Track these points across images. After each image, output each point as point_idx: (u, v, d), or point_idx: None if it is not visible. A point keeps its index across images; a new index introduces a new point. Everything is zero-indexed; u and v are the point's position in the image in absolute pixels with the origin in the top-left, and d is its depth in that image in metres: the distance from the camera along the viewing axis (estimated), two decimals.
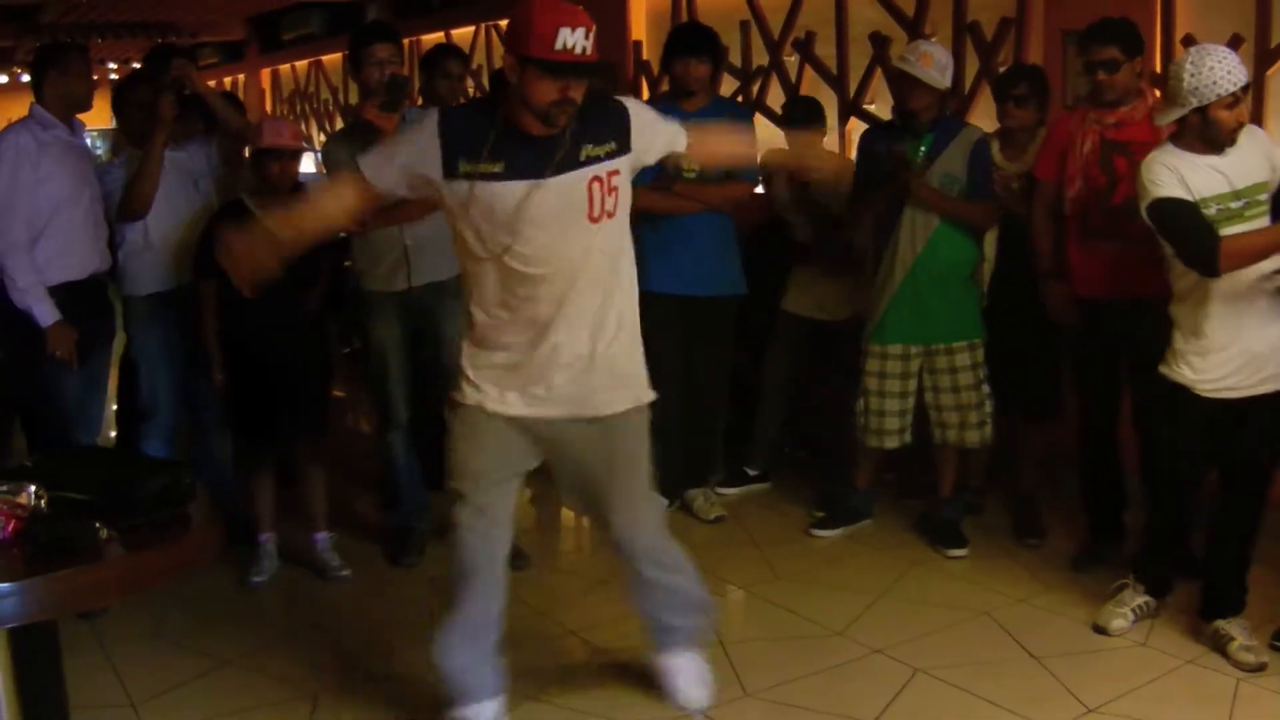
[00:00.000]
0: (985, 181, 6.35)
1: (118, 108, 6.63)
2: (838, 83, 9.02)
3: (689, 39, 6.92)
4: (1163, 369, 5.26)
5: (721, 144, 5.17)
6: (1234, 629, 5.27)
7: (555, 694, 5.10)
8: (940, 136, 6.31)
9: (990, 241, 6.58)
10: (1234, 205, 5.01)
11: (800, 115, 7.60)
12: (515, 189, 4.16)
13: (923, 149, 6.31)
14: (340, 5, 14.74)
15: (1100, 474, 6.18)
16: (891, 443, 6.59)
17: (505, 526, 4.72)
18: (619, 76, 10.13)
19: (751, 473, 7.50)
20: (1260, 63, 6.58)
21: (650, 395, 4.55)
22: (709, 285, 6.75)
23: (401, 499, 6.64)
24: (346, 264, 6.69)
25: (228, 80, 20.21)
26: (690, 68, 6.67)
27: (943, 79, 6.25)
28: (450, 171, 4.20)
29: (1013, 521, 6.77)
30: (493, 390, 4.42)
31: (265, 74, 19.07)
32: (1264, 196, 5.09)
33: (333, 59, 16.36)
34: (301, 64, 17.52)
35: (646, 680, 4.99)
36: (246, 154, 6.71)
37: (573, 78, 4.06)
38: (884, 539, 6.71)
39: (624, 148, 4.30)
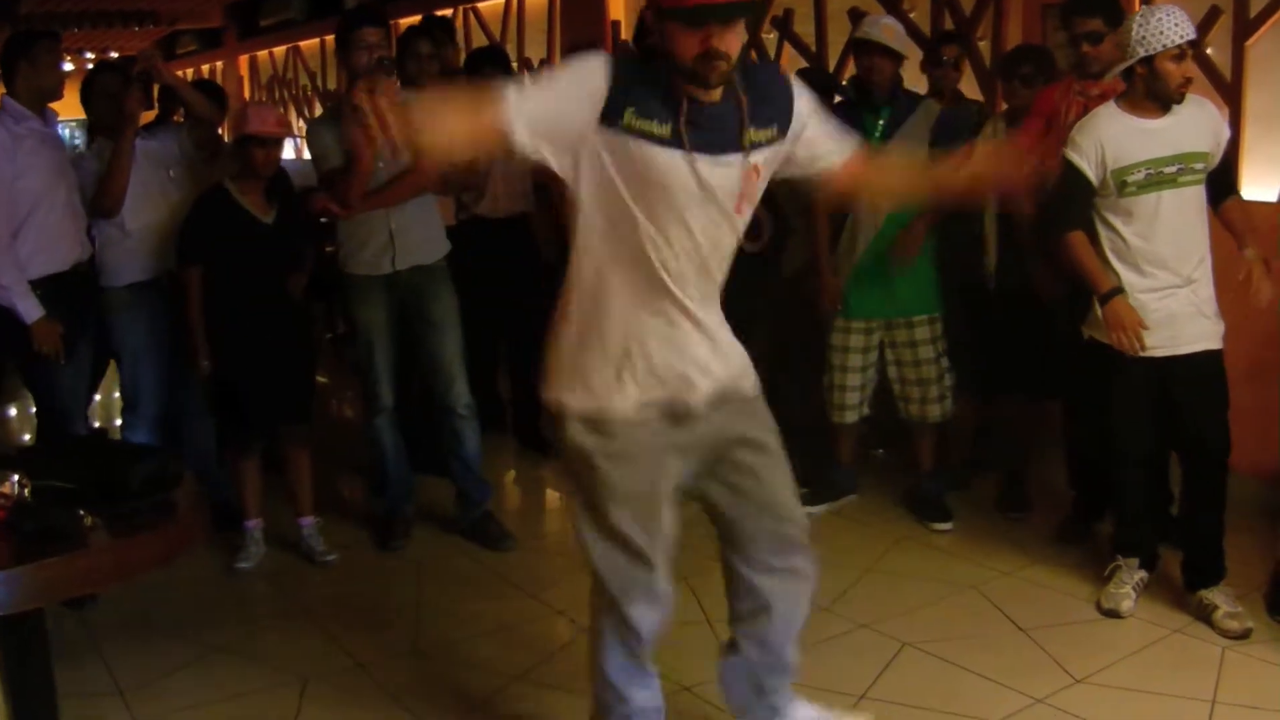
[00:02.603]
0: (951, 142, 6.32)
1: (86, 97, 6.60)
2: (817, 59, 9.02)
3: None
4: (1085, 326, 5.43)
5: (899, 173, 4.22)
6: (1217, 597, 5.31)
7: (544, 674, 5.11)
8: (898, 110, 6.34)
9: (990, 226, 6.56)
10: (1168, 170, 5.15)
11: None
12: (676, 160, 3.57)
13: (881, 122, 6.32)
14: None
15: (1087, 449, 6.20)
16: (851, 417, 6.63)
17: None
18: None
19: None
20: (1239, 34, 6.59)
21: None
22: None
23: (388, 483, 6.64)
24: (329, 249, 6.67)
25: (206, 68, 20.18)
26: None
27: (903, 48, 6.32)
28: (611, 118, 3.52)
29: (998, 495, 6.80)
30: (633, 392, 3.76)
31: (243, 61, 19.05)
32: (1200, 166, 5.21)
33: (310, 45, 16.35)
34: (280, 50, 17.50)
35: None
36: (226, 140, 6.70)
37: (714, 22, 3.47)
38: (869, 514, 6.73)
39: (782, 134, 3.76)
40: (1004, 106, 6.68)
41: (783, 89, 3.81)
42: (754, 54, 9.36)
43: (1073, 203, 5.28)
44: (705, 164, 3.60)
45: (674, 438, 3.80)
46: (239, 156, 6.00)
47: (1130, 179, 5.14)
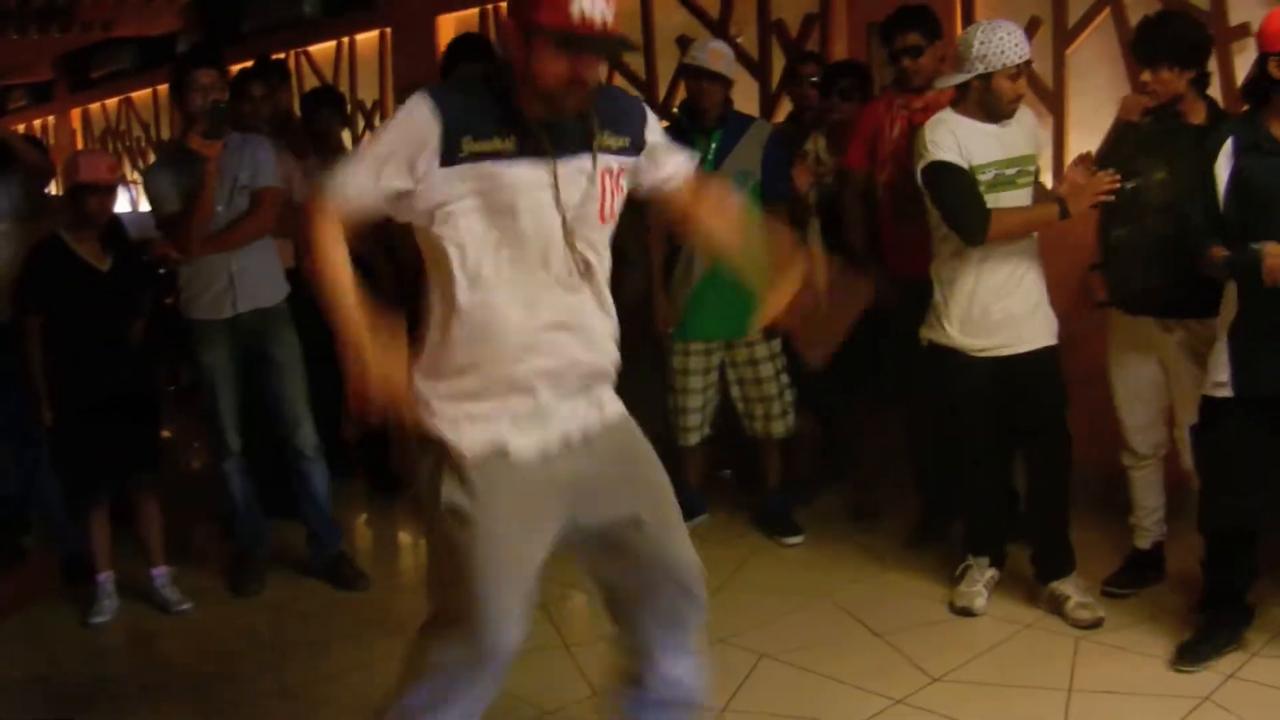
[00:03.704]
0: (783, 176, 6.50)
1: None
2: (646, 87, 9.08)
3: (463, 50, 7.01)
4: (925, 331, 5.51)
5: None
6: (1068, 588, 5.44)
7: None
8: (729, 133, 6.41)
9: (815, 237, 6.67)
10: (1008, 172, 5.27)
11: None
12: (530, 171, 3.39)
13: (713, 145, 6.39)
14: (150, 40, 14.59)
15: (929, 453, 6.30)
16: (694, 439, 6.69)
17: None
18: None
19: None
20: (1059, 43, 6.75)
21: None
22: None
23: (239, 528, 6.59)
24: (169, 300, 6.62)
25: (38, 122, 19.91)
26: None
27: (730, 71, 6.41)
28: (450, 155, 3.33)
29: (848, 506, 6.91)
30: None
31: (75, 114, 18.81)
32: (1032, 168, 5.37)
33: (143, 95, 16.20)
34: (112, 102, 17.32)
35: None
36: (55, 191, 6.63)
37: (590, 53, 3.31)
38: (721, 533, 6.76)
39: (637, 146, 3.62)
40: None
41: (633, 102, 3.72)
42: None
43: (972, 195, 5.22)
44: (559, 167, 3.42)
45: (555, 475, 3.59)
46: (72, 206, 5.94)
47: (981, 179, 5.23)
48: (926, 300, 5.52)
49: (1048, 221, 5.25)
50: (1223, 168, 4.70)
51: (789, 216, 6.49)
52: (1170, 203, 5.07)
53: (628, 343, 6.67)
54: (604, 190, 3.52)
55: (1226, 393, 4.76)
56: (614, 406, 3.74)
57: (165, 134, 15.33)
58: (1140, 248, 5.23)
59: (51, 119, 19.48)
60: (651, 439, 3.81)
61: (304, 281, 6.72)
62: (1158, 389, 5.40)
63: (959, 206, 5.27)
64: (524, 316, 3.46)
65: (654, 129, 3.70)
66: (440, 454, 3.50)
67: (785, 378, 6.57)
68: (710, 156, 6.33)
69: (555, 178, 3.41)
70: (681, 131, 6.46)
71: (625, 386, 3.80)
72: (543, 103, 3.35)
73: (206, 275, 6.17)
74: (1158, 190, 5.15)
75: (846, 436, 7.10)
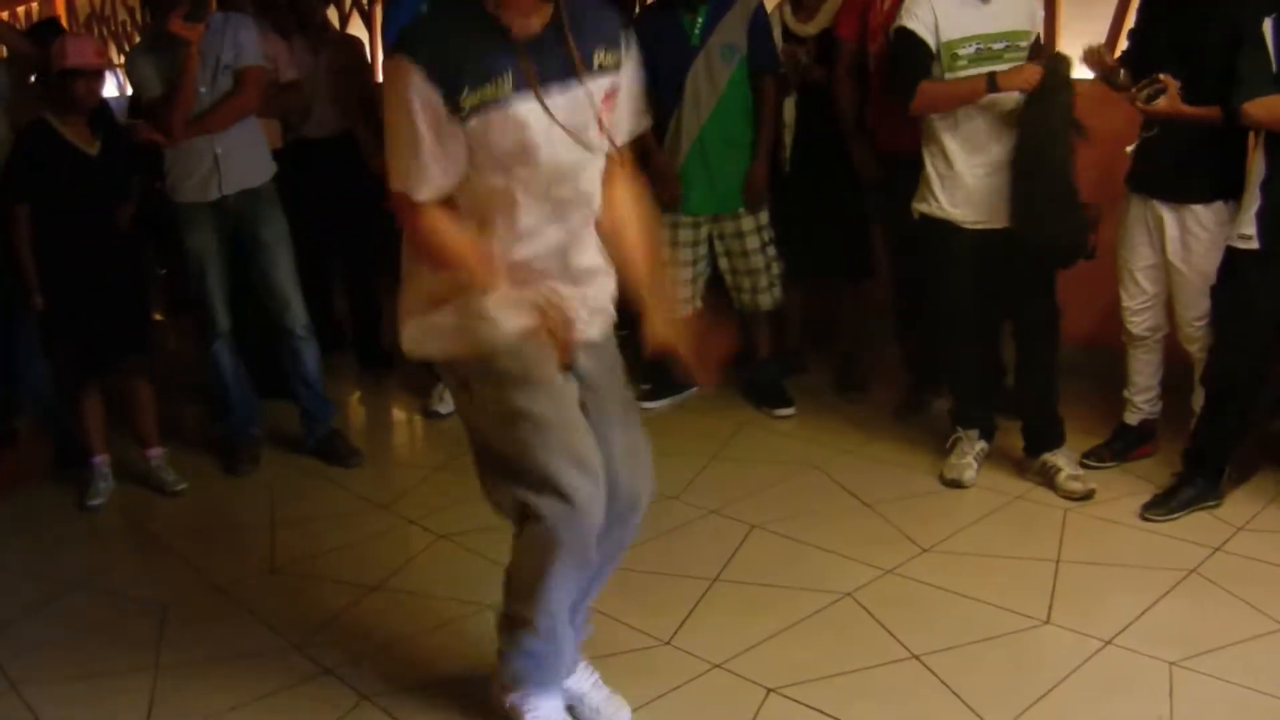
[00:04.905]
0: (770, 49, 6.44)
1: None
2: None
3: None
4: (916, 204, 5.50)
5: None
6: (1060, 460, 5.48)
7: (399, 582, 5.15)
8: (716, 6, 6.33)
9: (790, 107, 6.65)
10: (995, 46, 5.22)
11: None
12: (530, 105, 3.29)
13: (700, 20, 6.33)
14: None
15: (916, 326, 6.31)
16: (683, 310, 6.66)
17: None
18: None
19: None
20: None
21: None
22: None
23: (231, 409, 6.59)
24: (157, 185, 6.61)
25: (21, 10, 19.77)
26: None
27: None
28: (458, 114, 3.24)
29: (835, 379, 6.93)
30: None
31: (60, 0, 18.68)
32: (1024, 44, 5.30)
33: None
34: None
35: (483, 559, 5.00)
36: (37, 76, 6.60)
37: None
38: (711, 405, 6.75)
39: (620, 65, 3.46)
40: None
41: (613, 15, 3.51)
42: None
43: (916, 66, 5.26)
44: (555, 95, 3.30)
45: None
46: (60, 90, 5.90)
47: (961, 52, 5.20)
48: (914, 175, 5.50)
49: (974, 93, 5.18)
50: (1270, 26, 4.70)
51: (775, 90, 6.47)
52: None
53: None
54: (602, 112, 3.41)
55: (1251, 245, 4.80)
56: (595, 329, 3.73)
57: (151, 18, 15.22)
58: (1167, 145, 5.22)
59: (35, 4, 19.32)
60: None
61: (290, 161, 6.77)
62: (1157, 272, 5.39)
63: (898, 69, 5.35)
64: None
65: (629, 50, 3.51)
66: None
67: (772, 250, 6.57)
68: (697, 30, 6.30)
69: (550, 107, 3.31)
70: (669, 6, 6.42)
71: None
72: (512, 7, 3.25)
73: (191, 158, 6.13)
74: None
75: (833, 310, 7.09)
